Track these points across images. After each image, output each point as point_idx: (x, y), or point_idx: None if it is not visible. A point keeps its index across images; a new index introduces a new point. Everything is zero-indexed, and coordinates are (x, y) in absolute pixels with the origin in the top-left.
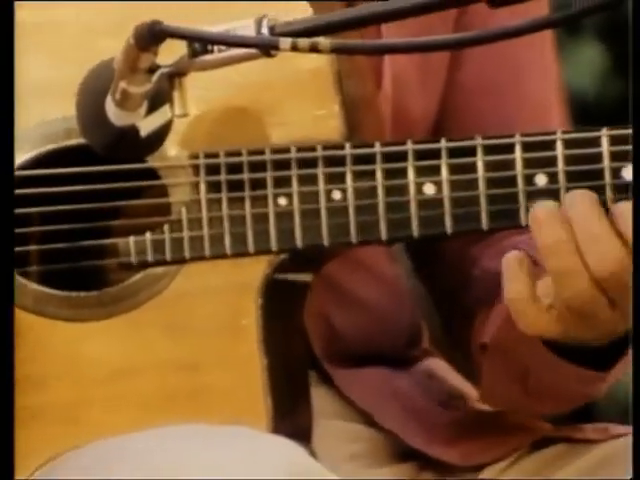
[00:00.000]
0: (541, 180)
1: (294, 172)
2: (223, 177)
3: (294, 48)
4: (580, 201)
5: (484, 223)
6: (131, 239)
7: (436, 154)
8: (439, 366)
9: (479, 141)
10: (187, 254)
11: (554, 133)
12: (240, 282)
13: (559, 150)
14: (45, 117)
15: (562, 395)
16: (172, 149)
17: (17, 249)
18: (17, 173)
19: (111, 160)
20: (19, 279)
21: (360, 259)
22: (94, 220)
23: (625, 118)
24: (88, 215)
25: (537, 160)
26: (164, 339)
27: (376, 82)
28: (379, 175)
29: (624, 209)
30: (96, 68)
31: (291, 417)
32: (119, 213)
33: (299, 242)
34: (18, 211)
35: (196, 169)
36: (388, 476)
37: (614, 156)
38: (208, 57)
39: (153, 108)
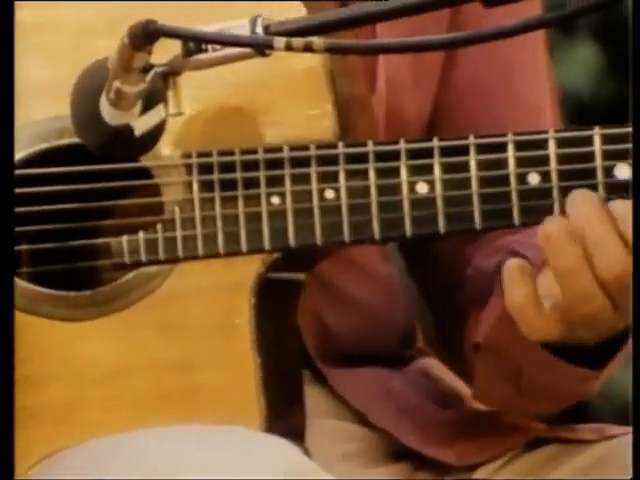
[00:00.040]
0: (534, 179)
1: (287, 171)
2: (216, 176)
3: (288, 48)
4: (585, 203)
5: (477, 222)
6: (124, 238)
7: (429, 153)
8: (433, 365)
9: (472, 140)
10: (180, 253)
11: (546, 132)
12: (233, 281)
13: (551, 149)
14: (37, 116)
15: (555, 394)
16: (166, 148)
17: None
18: None
19: (103, 159)
20: None
21: (353, 258)
22: (87, 219)
23: (619, 118)
24: (81, 215)
25: (530, 159)
26: (157, 339)
27: (369, 82)
28: (372, 174)
29: (622, 209)
30: (90, 67)
31: (285, 416)
32: (112, 212)
33: (292, 241)
34: None
35: (189, 168)
36: (382, 475)
37: (606, 155)
38: (202, 56)
39: (147, 107)
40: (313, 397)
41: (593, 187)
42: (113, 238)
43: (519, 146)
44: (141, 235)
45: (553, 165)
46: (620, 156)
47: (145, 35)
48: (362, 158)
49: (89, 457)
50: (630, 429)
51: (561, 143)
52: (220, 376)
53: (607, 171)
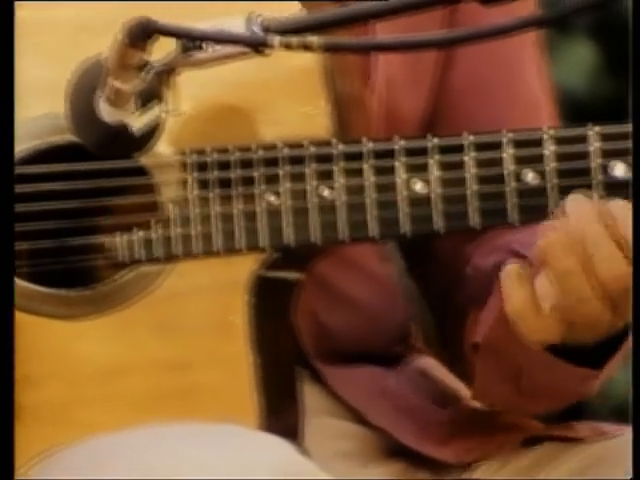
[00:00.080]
0: (530, 177)
1: (283, 169)
2: (213, 175)
3: (285, 46)
4: (584, 206)
5: (474, 221)
6: (121, 237)
7: (425, 151)
8: (431, 364)
9: (468, 138)
10: (177, 252)
11: (543, 130)
12: (230, 280)
13: (548, 147)
14: (31, 114)
15: (555, 393)
16: (162, 147)
17: None
18: None
19: (100, 157)
20: None
21: (350, 258)
22: (83, 218)
23: (616, 116)
24: (77, 213)
25: (526, 157)
26: (155, 338)
27: (366, 81)
28: (368, 172)
29: (621, 209)
30: (87, 65)
31: (280, 415)
32: (108, 211)
33: (289, 240)
34: None
35: (185, 166)
36: (379, 474)
37: (603, 153)
38: (199, 55)
39: (144, 105)
40: (310, 395)
41: (589, 185)
42: (109, 236)
43: (516, 144)
44: (138, 233)
45: (550, 163)
46: (617, 154)
47: (141, 32)
48: (359, 156)
49: (87, 456)
50: (627, 427)
51: (558, 141)
52: (217, 375)
53: (604, 169)
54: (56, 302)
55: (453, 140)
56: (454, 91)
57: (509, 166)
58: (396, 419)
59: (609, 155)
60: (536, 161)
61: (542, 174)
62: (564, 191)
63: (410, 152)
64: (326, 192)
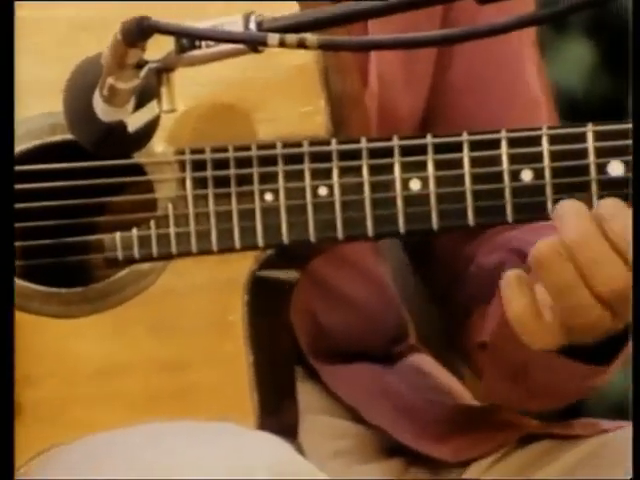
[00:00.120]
0: (527, 176)
1: (280, 168)
2: (209, 173)
3: (281, 44)
4: (575, 217)
5: (470, 219)
6: (117, 235)
7: (422, 150)
8: (426, 362)
9: (465, 137)
10: (173, 250)
11: (540, 129)
12: (226, 278)
13: (545, 146)
14: (31, 113)
15: (563, 390)
16: (159, 145)
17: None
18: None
19: (97, 156)
20: None
21: (346, 256)
22: (80, 216)
23: (613, 115)
24: (74, 211)
25: (523, 156)
26: (150, 336)
27: (362, 79)
28: (365, 171)
29: (610, 207)
30: (83, 64)
31: (278, 413)
32: (105, 209)
33: (285, 238)
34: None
35: (182, 165)
36: (375, 472)
37: (599, 152)
38: (196, 53)
39: (141, 104)
40: (306, 394)
41: (586, 184)
42: (106, 235)
43: (512, 143)
44: (134, 232)
45: (546, 162)
46: (613, 153)
47: (138, 31)
48: (355, 155)
49: (84, 454)
50: (623, 424)
51: (554, 140)
52: (213, 373)
53: (600, 168)
54: (53, 301)
55: (450, 138)
56: (453, 91)
57: (506, 165)
58: (393, 417)
59: (606, 154)
60: (533, 159)
61: (539, 172)
62: (561, 189)
63: (407, 150)
64: (323, 190)
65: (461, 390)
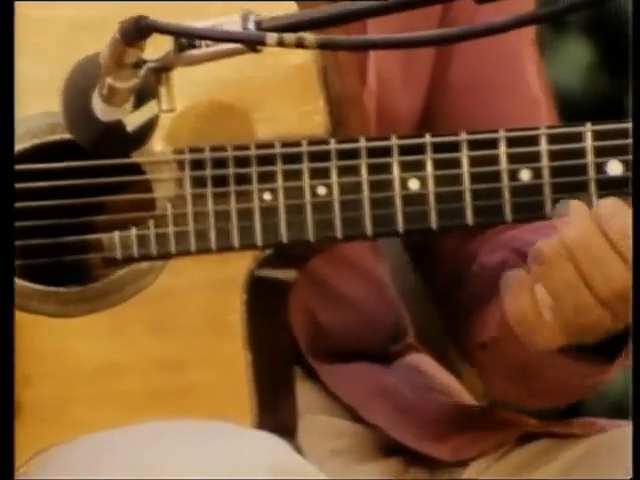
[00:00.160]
0: (525, 175)
1: (279, 167)
2: (208, 172)
3: (280, 44)
4: (575, 218)
5: (469, 218)
6: (116, 234)
7: (421, 149)
8: (424, 361)
9: (463, 136)
10: (172, 249)
11: (538, 128)
12: (225, 278)
13: (543, 145)
14: (29, 113)
15: (564, 389)
16: (157, 144)
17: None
18: None
19: (95, 155)
20: None
21: (345, 255)
22: (79, 215)
23: (611, 114)
24: (73, 210)
25: (521, 155)
26: (149, 335)
27: (361, 77)
28: (364, 170)
29: (609, 207)
30: (82, 63)
31: (276, 413)
32: (104, 208)
33: (284, 237)
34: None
35: (181, 164)
36: (374, 471)
37: (598, 151)
38: (194, 52)
39: (139, 103)
40: (304, 393)
41: (584, 183)
42: (105, 234)
43: (511, 142)
44: (133, 231)
45: (545, 161)
46: (612, 152)
47: (137, 31)
48: (354, 154)
49: (82, 453)
50: (621, 423)
51: (552, 139)
52: (212, 372)
53: (599, 167)
54: (51, 300)
55: (448, 138)
56: (453, 90)
57: (504, 164)
58: (391, 416)
59: (604, 153)
60: (531, 159)
61: (537, 172)
62: (559, 189)
63: (405, 150)
64: (322, 190)
65: (459, 389)
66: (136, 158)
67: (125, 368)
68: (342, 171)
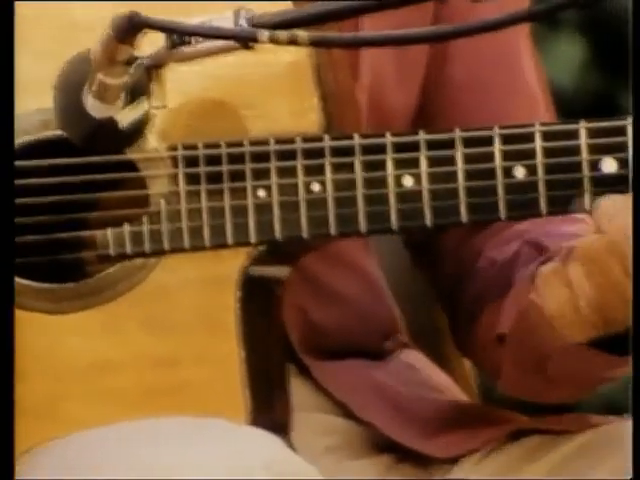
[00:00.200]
0: (520, 172)
1: (273, 164)
2: (202, 169)
3: (272, 40)
4: (623, 218)
5: (463, 216)
6: (109, 231)
7: (415, 146)
8: (417, 358)
9: (458, 133)
10: (166, 246)
11: (532, 125)
12: (219, 275)
13: (537, 143)
14: (21, 110)
15: (583, 381)
16: (151, 141)
17: None
18: None
19: (89, 152)
20: None
21: (338, 253)
22: (72, 212)
23: (604, 112)
24: (66, 207)
25: (516, 152)
26: (142, 332)
27: (353, 75)
28: (358, 167)
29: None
30: (73, 60)
31: (270, 410)
32: (97, 205)
33: (278, 234)
34: None
35: (175, 161)
36: (366, 468)
37: (592, 148)
38: (186, 49)
39: (131, 100)
40: (297, 390)
41: (579, 181)
42: (98, 230)
43: (505, 140)
44: (127, 227)
45: (539, 159)
46: (606, 150)
47: (129, 27)
48: (348, 151)
49: (76, 450)
50: (613, 419)
51: (547, 137)
52: (205, 370)
53: (593, 165)
54: (44, 297)
55: (442, 135)
56: (452, 88)
57: (498, 161)
58: (383, 413)
59: (598, 151)
60: (525, 156)
61: (531, 169)
62: (553, 186)
63: (400, 147)
64: (316, 187)
65: (452, 386)
66: (130, 155)
67: (119, 365)
68: (336, 168)
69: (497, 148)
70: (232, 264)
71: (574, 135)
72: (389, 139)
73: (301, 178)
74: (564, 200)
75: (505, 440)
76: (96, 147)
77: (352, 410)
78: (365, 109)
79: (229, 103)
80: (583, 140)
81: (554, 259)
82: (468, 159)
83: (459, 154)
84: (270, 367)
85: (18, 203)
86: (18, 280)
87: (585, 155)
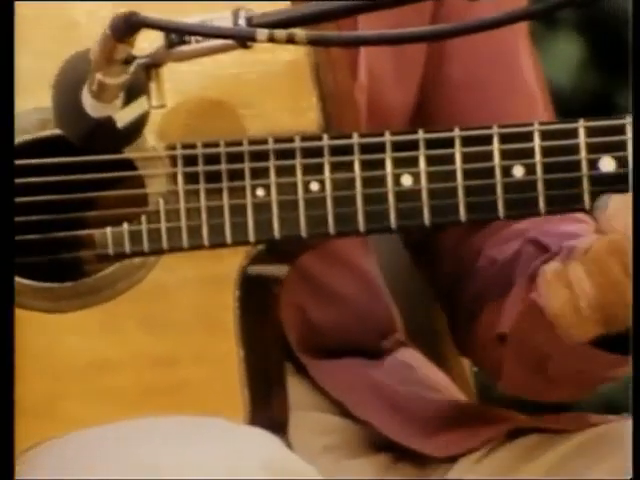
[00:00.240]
0: (518, 171)
1: (272, 163)
2: (201, 168)
3: (270, 39)
4: (626, 218)
5: (462, 215)
6: (108, 230)
7: (414, 145)
8: (414, 357)
9: (457, 132)
10: (164, 245)
11: (531, 124)
12: (217, 274)
13: (536, 142)
14: (19, 109)
15: (584, 380)
16: (149, 140)
17: None
18: None
19: (87, 151)
20: None
21: (335, 252)
22: (71, 211)
23: (602, 111)
24: (65, 206)
25: (514, 151)
26: (141, 331)
27: (352, 72)
28: (357, 166)
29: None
30: (72, 59)
31: (268, 409)
32: (96, 204)
33: (277, 233)
34: None
35: (173, 160)
36: (363, 467)
37: (591, 147)
38: (185, 48)
39: (130, 99)
40: (295, 389)
41: (577, 180)
42: (97, 230)
43: (504, 139)
44: (125, 227)
45: (538, 158)
46: (605, 149)
47: (127, 26)
48: (347, 150)
49: (74, 449)
50: (612, 418)
51: (546, 136)
52: (204, 369)
53: (591, 164)
54: (43, 296)
55: (441, 134)
56: (450, 87)
57: (497, 160)
58: (381, 412)
59: (597, 150)
60: (524, 155)
61: (530, 168)
62: (552, 185)
63: (399, 146)
64: (315, 186)
65: (449, 385)
66: (128, 154)
67: (117, 364)
68: (335, 167)
69: (496, 147)
70: (231, 263)
71: (573, 134)
72: (388, 138)
73: (300, 177)
74: (563, 199)
75: (503, 439)
76: (94, 146)
77: (349, 409)
78: (364, 108)
79: (228, 102)
80: (582, 139)
81: (555, 259)
82: (467, 158)
83: (458, 153)
84: (268, 366)
85: (17, 202)
86: (17, 279)
87: (584, 154)
